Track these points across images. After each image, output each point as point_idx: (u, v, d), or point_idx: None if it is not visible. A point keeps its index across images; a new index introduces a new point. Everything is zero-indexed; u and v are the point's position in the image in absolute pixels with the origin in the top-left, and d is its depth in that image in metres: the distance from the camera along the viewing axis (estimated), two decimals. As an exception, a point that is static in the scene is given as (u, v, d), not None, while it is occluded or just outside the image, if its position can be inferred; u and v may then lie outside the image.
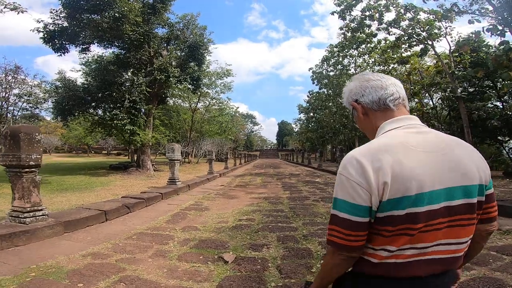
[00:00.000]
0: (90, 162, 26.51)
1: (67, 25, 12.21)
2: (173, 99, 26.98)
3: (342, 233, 0.86)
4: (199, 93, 28.76)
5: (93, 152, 46.98)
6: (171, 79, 14.07)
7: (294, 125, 69.94)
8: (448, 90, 14.41)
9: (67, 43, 12.70)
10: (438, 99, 19.15)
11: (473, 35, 13.86)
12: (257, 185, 10.55)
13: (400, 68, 22.10)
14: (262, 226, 4.45)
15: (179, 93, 27.08)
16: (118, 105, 11.90)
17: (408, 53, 18.77)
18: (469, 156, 0.89)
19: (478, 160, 0.90)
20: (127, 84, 12.41)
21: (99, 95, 12.98)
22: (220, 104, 34.63)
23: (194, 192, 8.61)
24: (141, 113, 13.09)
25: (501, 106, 18.03)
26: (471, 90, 16.07)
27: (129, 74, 12.76)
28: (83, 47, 13.89)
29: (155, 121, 15.02)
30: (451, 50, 15.01)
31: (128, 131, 11.75)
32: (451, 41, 14.98)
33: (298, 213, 5.40)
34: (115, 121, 11.53)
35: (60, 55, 12.69)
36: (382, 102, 0.97)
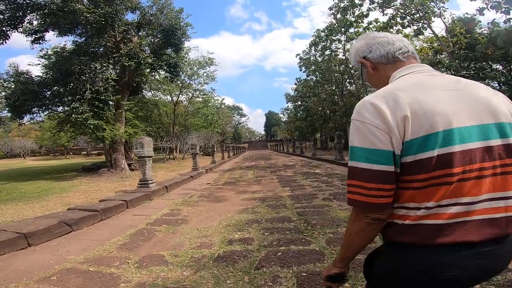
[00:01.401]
0: (64, 164, 24.32)
1: (3, 8, 10.13)
2: (153, 91, 24.88)
3: (363, 187, 0.73)
4: (180, 84, 26.84)
5: (71, 153, 44.18)
6: (142, 66, 12.20)
7: (281, 115, 68.90)
8: (451, 69, 13.18)
9: (7, 29, 10.61)
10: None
11: (477, 12, 12.76)
12: (249, 181, 8.95)
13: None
14: (266, 253, 2.80)
15: (159, 85, 24.99)
16: (78, 97, 9.92)
17: (400, 34, 17.66)
18: (494, 95, 0.79)
19: (505, 100, 0.80)
20: (89, 73, 10.42)
21: (60, 89, 11.04)
22: (204, 96, 32.68)
23: (173, 195, 6.93)
24: (109, 106, 11.17)
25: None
26: (463, 72, 15.25)
27: (95, 64, 10.75)
28: (36, 36, 11.75)
29: (127, 114, 13.09)
30: (448, 30, 14.14)
31: (91, 126, 9.81)
32: (445, 22, 14.03)
33: (313, 222, 3.81)
34: (73, 115, 9.58)
35: (1, 43, 10.62)
36: (391, 56, 0.92)
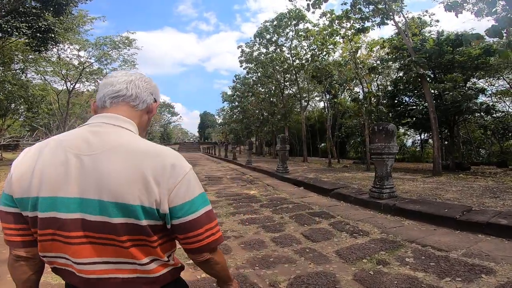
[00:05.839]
0: None
1: None
2: (36, 73, 18.27)
3: (4, 228, 0.79)
4: (82, 67, 20.72)
5: None
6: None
7: (217, 116, 64.79)
8: (420, 64, 10.93)
9: None
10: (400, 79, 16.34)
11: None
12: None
13: (344, 45, 18.83)
14: None
15: (52, 67, 18.58)
16: None
17: (352, 31, 15.81)
18: (132, 169, 0.71)
19: (147, 178, 0.71)
20: None
21: None
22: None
23: None
24: None
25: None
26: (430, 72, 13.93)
27: None
28: None
29: None
30: (408, 25, 13.02)
31: None
32: (402, 19, 12.99)
33: None
34: None
35: None
36: (103, 100, 0.82)
